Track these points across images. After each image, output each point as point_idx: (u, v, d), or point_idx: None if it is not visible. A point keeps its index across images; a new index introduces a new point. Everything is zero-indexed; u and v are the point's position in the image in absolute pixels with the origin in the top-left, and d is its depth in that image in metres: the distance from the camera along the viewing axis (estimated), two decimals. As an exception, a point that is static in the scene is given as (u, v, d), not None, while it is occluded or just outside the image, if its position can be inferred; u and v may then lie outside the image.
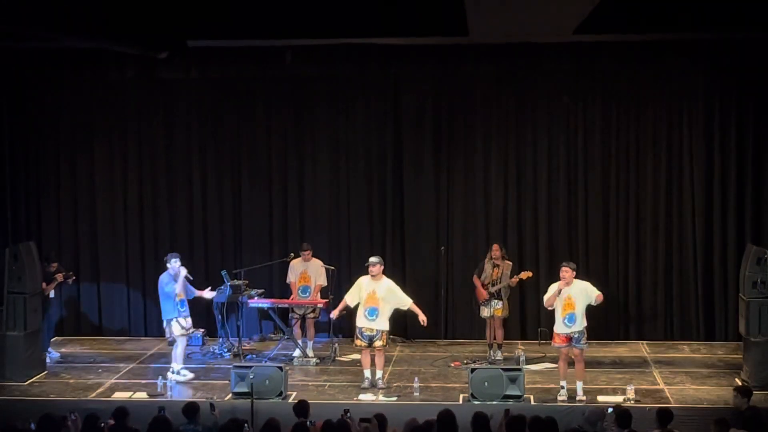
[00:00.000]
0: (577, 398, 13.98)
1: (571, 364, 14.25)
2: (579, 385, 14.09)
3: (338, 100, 17.90)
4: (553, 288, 14.27)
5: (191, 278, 15.38)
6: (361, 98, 17.86)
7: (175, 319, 15.03)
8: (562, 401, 13.92)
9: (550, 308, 14.30)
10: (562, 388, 14.10)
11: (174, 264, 15.08)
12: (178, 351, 15.17)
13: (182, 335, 15.14)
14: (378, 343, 14.56)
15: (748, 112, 17.02)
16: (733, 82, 17.05)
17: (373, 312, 14.57)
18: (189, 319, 15.24)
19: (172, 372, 15.02)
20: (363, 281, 14.79)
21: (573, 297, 14.10)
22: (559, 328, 14.19)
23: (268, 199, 18.08)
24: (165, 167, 18.10)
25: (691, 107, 17.25)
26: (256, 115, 17.98)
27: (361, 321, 14.66)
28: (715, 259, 17.20)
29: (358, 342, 14.72)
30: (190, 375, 15.17)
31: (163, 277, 15.13)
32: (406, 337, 17.64)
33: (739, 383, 14.57)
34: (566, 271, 14.13)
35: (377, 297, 14.60)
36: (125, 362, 16.35)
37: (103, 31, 12.73)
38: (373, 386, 14.56)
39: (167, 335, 15.17)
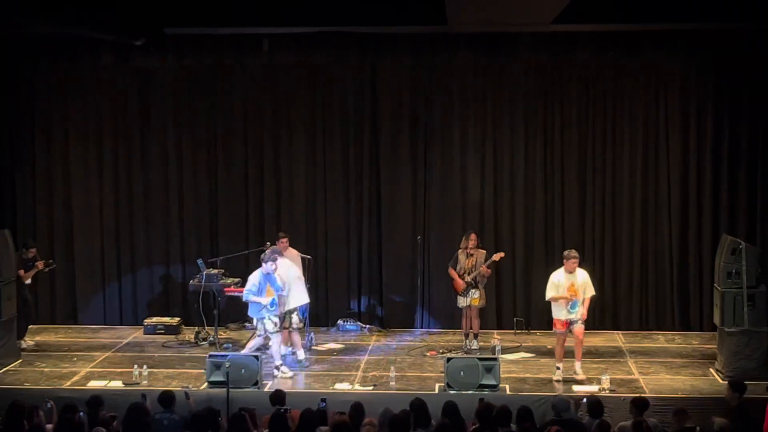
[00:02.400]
0: (578, 378, 14.29)
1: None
2: (578, 366, 14.42)
3: (315, 89, 17.88)
4: (557, 282, 14.39)
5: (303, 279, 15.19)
6: (339, 87, 17.84)
7: (266, 318, 14.69)
8: (557, 381, 14.23)
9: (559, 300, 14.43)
10: (558, 368, 14.38)
11: (270, 266, 14.71)
12: (274, 348, 14.82)
13: (276, 332, 14.78)
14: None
15: (724, 103, 17.09)
16: (709, 73, 17.12)
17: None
18: (277, 317, 14.85)
19: (277, 369, 14.72)
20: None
21: (576, 285, 14.32)
22: (561, 314, 14.41)
23: (245, 187, 18.06)
24: (140, 155, 18.06)
25: (668, 98, 17.32)
26: (232, 103, 17.95)
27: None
28: (691, 250, 17.30)
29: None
30: (290, 372, 14.84)
31: (251, 287, 14.73)
32: (383, 326, 17.70)
33: (714, 373, 14.72)
34: (574, 261, 14.36)
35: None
36: (100, 351, 16.31)
37: (79, 17, 12.69)
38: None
39: (259, 333, 14.83)
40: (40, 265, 16.38)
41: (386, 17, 14.09)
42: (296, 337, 15.44)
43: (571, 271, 14.40)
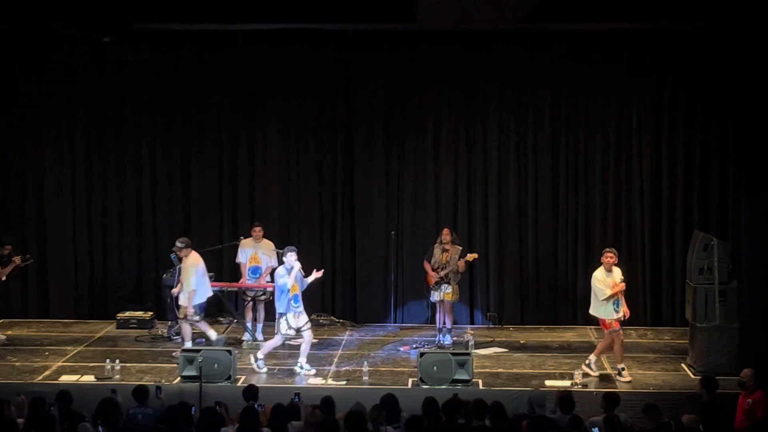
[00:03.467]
0: (592, 373, 14.39)
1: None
2: (594, 359, 14.54)
3: (290, 84, 17.88)
4: (603, 276, 14.35)
5: (302, 274, 14.88)
6: (313, 82, 17.84)
7: (285, 316, 14.57)
8: (627, 381, 14.16)
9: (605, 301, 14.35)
10: (623, 369, 14.31)
11: (290, 258, 14.55)
12: (269, 342, 14.86)
13: (284, 335, 14.64)
14: None
15: (696, 100, 17.21)
16: (682, 69, 17.22)
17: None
18: (302, 316, 14.63)
19: (300, 366, 14.66)
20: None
21: (617, 282, 14.29)
22: (610, 314, 14.34)
23: (218, 181, 18.06)
24: (114, 149, 18.03)
25: (641, 94, 17.42)
26: (206, 97, 17.93)
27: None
28: (663, 246, 17.40)
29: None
30: (265, 368, 14.70)
31: (279, 270, 14.65)
32: (356, 320, 17.72)
33: (686, 368, 14.81)
34: (610, 257, 14.31)
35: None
36: (72, 345, 16.27)
37: (44, 11, 12.60)
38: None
39: (276, 330, 14.75)
40: (17, 260, 16.28)
41: (358, 15, 14.06)
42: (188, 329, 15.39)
43: (609, 270, 14.34)
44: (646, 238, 17.42)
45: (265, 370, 14.62)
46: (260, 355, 14.69)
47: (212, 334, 15.41)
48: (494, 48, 16.60)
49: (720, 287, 14.64)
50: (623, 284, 14.37)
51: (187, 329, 15.32)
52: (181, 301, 15.30)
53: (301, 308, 14.66)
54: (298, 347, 15.33)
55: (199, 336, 16.22)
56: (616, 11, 13.75)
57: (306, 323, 14.69)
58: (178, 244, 15.43)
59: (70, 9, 12.84)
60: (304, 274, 14.74)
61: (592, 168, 17.60)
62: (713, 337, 14.65)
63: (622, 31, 15.80)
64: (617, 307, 14.32)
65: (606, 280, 14.36)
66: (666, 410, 11.19)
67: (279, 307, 14.61)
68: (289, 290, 14.47)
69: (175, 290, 15.57)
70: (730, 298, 14.64)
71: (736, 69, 15.31)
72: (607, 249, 14.66)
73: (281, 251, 16.45)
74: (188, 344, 15.12)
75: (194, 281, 15.19)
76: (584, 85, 17.58)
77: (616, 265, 14.48)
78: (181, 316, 15.33)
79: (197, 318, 15.27)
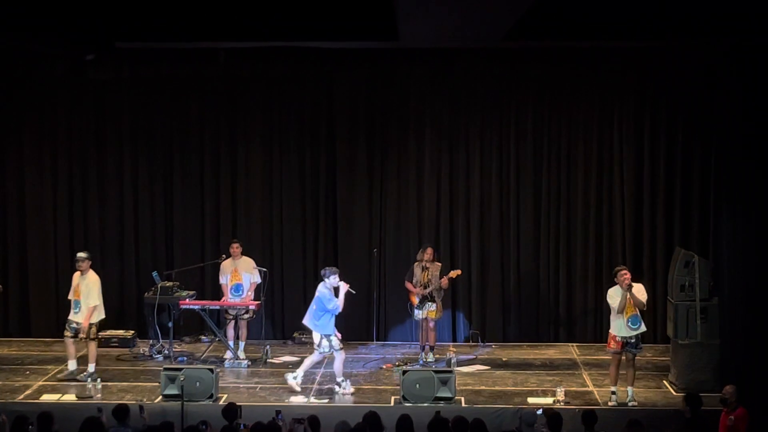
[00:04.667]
0: (629, 403, 14.00)
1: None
2: (630, 390, 14.08)
3: (272, 101, 17.91)
4: (617, 293, 14.06)
5: (354, 291, 14.98)
6: (295, 100, 17.87)
7: (333, 335, 14.61)
8: (613, 406, 13.94)
9: (620, 314, 14.04)
10: (613, 393, 14.11)
11: (333, 280, 14.54)
12: (337, 365, 14.74)
13: (339, 350, 14.62)
14: None
15: (677, 117, 17.29)
16: (663, 87, 17.31)
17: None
18: (337, 335, 14.77)
19: (339, 385, 14.61)
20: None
21: (634, 299, 14.08)
22: (621, 331, 14.06)
23: (200, 199, 18.04)
24: (96, 167, 17.98)
25: (622, 112, 17.49)
26: (188, 115, 17.94)
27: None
28: (644, 263, 17.44)
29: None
30: (351, 389, 14.67)
31: (325, 293, 14.59)
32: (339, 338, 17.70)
33: (667, 385, 14.84)
34: (625, 275, 14.04)
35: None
36: (54, 364, 16.19)
37: (27, 31, 12.60)
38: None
39: (321, 350, 14.68)
40: None
41: (340, 33, 14.10)
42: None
43: (628, 286, 14.02)
44: (627, 256, 17.44)
45: (352, 389, 14.61)
46: (339, 378, 14.66)
47: (74, 363, 15.26)
48: (475, 65, 16.62)
49: (701, 304, 14.69)
50: (630, 303, 13.97)
51: (92, 349, 15.14)
52: (79, 318, 15.08)
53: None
54: (281, 366, 15.35)
55: (179, 354, 16.26)
56: (596, 29, 13.81)
57: (339, 342, 14.76)
58: (81, 255, 15.27)
59: (53, 27, 12.83)
60: (354, 292, 14.95)
61: (573, 186, 17.66)
62: (695, 354, 14.69)
63: (601, 49, 15.83)
64: (633, 324, 14.02)
65: (614, 296, 14.14)
66: (648, 427, 11.20)
67: (323, 329, 14.61)
68: (336, 311, 14.59)
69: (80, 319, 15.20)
70: (711, 315, 14.69)
71: (717, 87, 15.40)
72: (620, 267, 14.43)
73: (263, 269, 16.51)
74: (73, 363, 15.14)
75: (99, 297, 15.15)
76: (565, 103, 17.65)
77: (635, 282, 14.27)
78: (84, 335, 15.06)
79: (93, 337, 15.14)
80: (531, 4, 11.95)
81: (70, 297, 15.38)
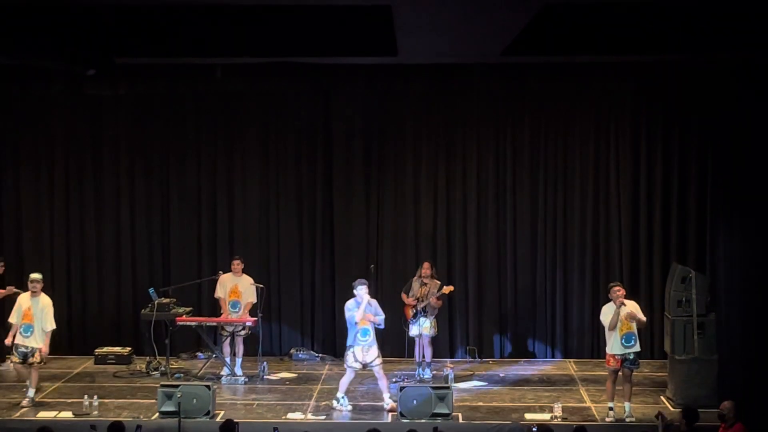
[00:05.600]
0: (627, 419, 13.98)
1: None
2: (627, 406, 14.07)
3: (269, 116, 17.94)
4: (610, 310, 14.06)
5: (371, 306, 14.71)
6: (292, 115, 17.90)
7: (352, 349, 14.51)
8: (611, 422, 13.92)
9: (612, 330, 14.03)
10: (611, 409, 14.07)
11: (360, 291, 14.46)
12: (344, 381, 14.64)
13: (350, 367, 14.52)
14: None
15: (673, 133, 17.32)
16: (659, 104, 17.34)
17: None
18: (372, 351, 14.51)
19: (336, 400, 14.59)
20: None
21: (635, 318, 14.06)
22: (616, 348, 14.03)
23: (197, 215, 18.06)
24: (92, 183, 18.00)
25: (618, 127, 17.53)
26: (185, 132, 17.97)
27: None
28: (641, 278, 17.44)
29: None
30: (349, 406, 14.55)
31: (348, 304, 14.58)
32: (335, 355, 17.71)
33: (665, 401, 14.85)
34: (619, 291, 14.04)
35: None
36: (50, 381, 16.18)
37: (29, 47, 12.65)
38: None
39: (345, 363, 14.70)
40: (11, 289, 16.17)
41: (338, 48, 14.16)
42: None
43: (622, 303, 14.01)
44: (624, 271, 17.46)
45: (349, 407, 14.51)
46: (339, 394, 14.59)
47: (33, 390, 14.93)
48: (472, 80, 16.66)
49: (698, 320, 14.71)
50: (625, 321, 13.96)
51: (35, 375, 14.89)
52: (32, 342, 14.76)
53: (371, 341, 14.58)
54: (278, 382, 15.33)
55: (176, 371, 16.27)
56: (590, 44, 13.89)
57: (375, 359, 14.57)
58: (37, 276, 15.06)
59: (52, 43, 12.88)
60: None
61: (570, 201, 17.68)
62: (692, 370, 14.70)
63: (596, 64, 15.91)
64: (627, 342, 13.99)
65: (607, 313, 14.14)
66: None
67: (348, 340, 14.60)
68: (356, 323, 14.47)
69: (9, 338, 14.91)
70: (708, 331, 14.71)
71: (713, 102, 15.44)
72: (613, 283, 14.46)
73: (260, 285, 16.51)
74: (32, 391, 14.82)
75: (54, 321, 14.98)
76: (561, 117, 17.68)
77: (630, 298, 14.27)
78: (38, 360, 14.81)
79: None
80: (526, 21, 12.03)
81: (13, 320, 14.85)
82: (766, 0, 11.78)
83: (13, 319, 14.89)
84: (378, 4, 11.43)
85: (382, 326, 14.81)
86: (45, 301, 14.96)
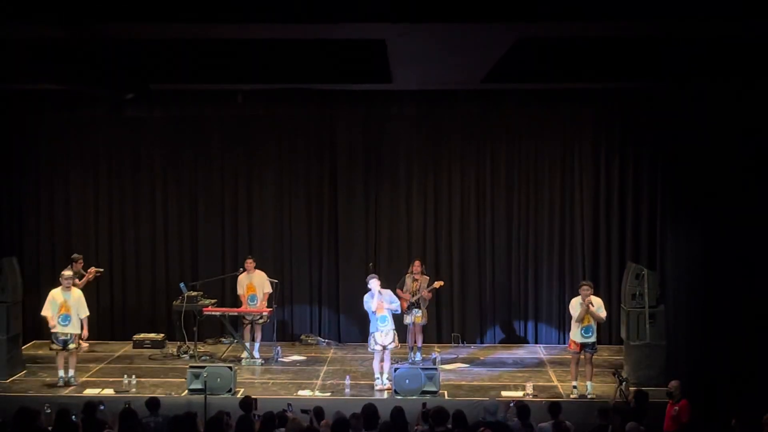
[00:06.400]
0: (588, 395, 13.96)
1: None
2: (589, 384, 14.07)
3: (282, 136, 17.90)
4: (578, 303, 13.97)
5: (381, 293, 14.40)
6: (302, 135, 17.87)
7: (373, 335, 14.34)
8: (575, 398, 13.90)
9: (577, 322, 13.95)
10: (574, 387, 14.10)
11: (372, 284, 14.30)
12: (374, 363, 14.48)
13: (374, 349, 14.36)
14: None
15: (628, 150, 17.25)
16: (616, 125, 17.28)
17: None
18: (390, 333, 14.30)
19: (375, 383, 14.43)
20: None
21: (594, 315, 13.96)
22: (576, 337, 13.99)
23: (221, 221, 18.01)
24: (131, 194, 17.97)
25: (582, 146, 17.47)
26: (211, 149, 17.93)
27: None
28: (601, 275, 17.38)
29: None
30: (387, 383, 14.24)
31: (365, 297, 14.38)
32: (340, 340, 17.66)
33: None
34: (586, 289, 13.94)
35: None
36: (95, 363, 16.14)
37: (75, 76, 12.61)
38: None
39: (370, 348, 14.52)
40: (91, 271, 16.21)
41: (341, 77, 14.14)
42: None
43: (585, 300, 13.90)
44: (586, 269, 17.41)
45: (387, 384, 14.28)
46: (375, 375, 14.44)
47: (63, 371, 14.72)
48: (456, 105, 16.65)
49: (650, 310, 14.70)
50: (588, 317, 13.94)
51: (73, 359, 14.75)
52: (71, 329, 14.61)
53: (389, 327, 14.38)
54: (290, 364, 15.28)
55: (203, 354, 16.21)
56: (560, 74, 13.88)
57: (391, 343, 14.38)
58: (69, 273, 15.04)
59: (97, 73, 12.84)
60: (388, 295, 14.42)
61: (541, 207, 17.63)
62: (644, 354, 14.69)
63: (565, 90, 15.90)
64: (586, 333, 13.95)
65: (576, 307, 14.08)
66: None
67: (370, 327, 14.46)
68: (374, 312, 14.33)
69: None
70: (658, 320, 14.71)
71: (663, 122, 15.43)
72: (583, 282, 14.42)
73: (275, 280, 16.47)
74: (62, 371, 14.61)
75: (87, 308, 14.85)
76: (533, 136, 17.63)
77: (594, 296, 14.16)
78: (76, 345, 14.70)
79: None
80: (503, 53, 12.00)
81: (47, 313, 14.64)
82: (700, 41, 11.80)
83: (47, 312, 14.70)
84: (375, 39, 11.42)
85: (399, 311, 14.75)
86: (77, 293, 14.87)
